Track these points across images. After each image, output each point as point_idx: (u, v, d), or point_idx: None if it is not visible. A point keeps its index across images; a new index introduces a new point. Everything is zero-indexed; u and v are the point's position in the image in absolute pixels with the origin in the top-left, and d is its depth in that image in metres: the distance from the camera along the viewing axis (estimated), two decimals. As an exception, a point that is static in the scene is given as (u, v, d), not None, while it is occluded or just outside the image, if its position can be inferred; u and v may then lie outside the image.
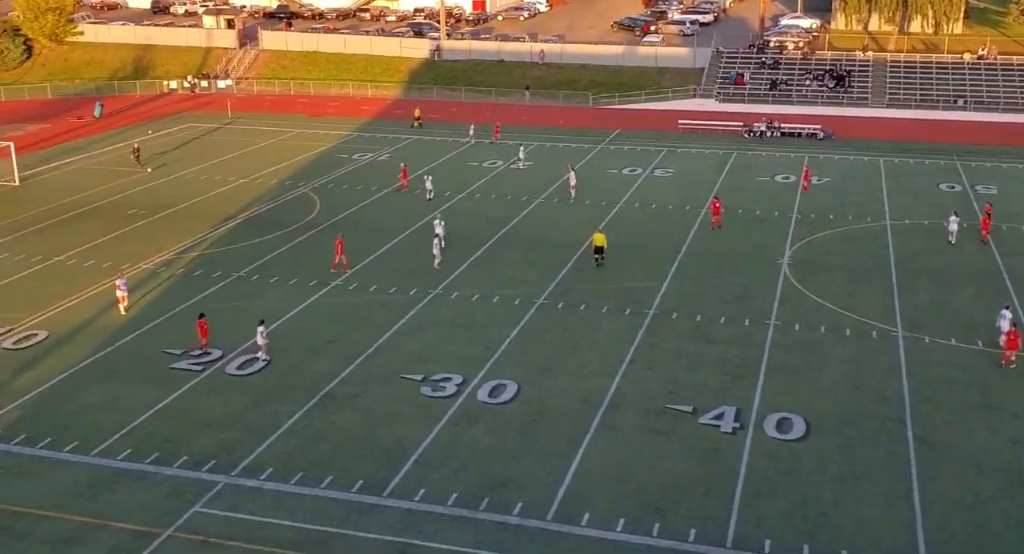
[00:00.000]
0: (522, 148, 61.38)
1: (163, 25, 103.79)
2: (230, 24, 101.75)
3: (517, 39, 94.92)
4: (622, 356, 33.29)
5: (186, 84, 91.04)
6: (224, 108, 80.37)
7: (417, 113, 74.50)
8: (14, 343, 34.47)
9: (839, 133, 70.22)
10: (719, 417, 28.96)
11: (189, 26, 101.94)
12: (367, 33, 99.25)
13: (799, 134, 70.52)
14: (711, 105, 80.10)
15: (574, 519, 23.99)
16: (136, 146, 62.41)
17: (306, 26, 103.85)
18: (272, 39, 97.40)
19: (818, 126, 70.97)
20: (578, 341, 34.60)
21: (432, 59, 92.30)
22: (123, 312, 36.86)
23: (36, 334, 35.23)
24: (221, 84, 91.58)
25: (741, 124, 72.22)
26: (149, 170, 59.67)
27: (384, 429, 28.44)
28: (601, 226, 47.73)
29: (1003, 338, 32.60)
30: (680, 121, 73.95)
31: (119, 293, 36.71)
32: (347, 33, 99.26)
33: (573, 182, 53.10)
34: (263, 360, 32.71)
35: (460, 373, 31.99)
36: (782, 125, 71.31)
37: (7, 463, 26.62)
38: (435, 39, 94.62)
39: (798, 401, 29.97)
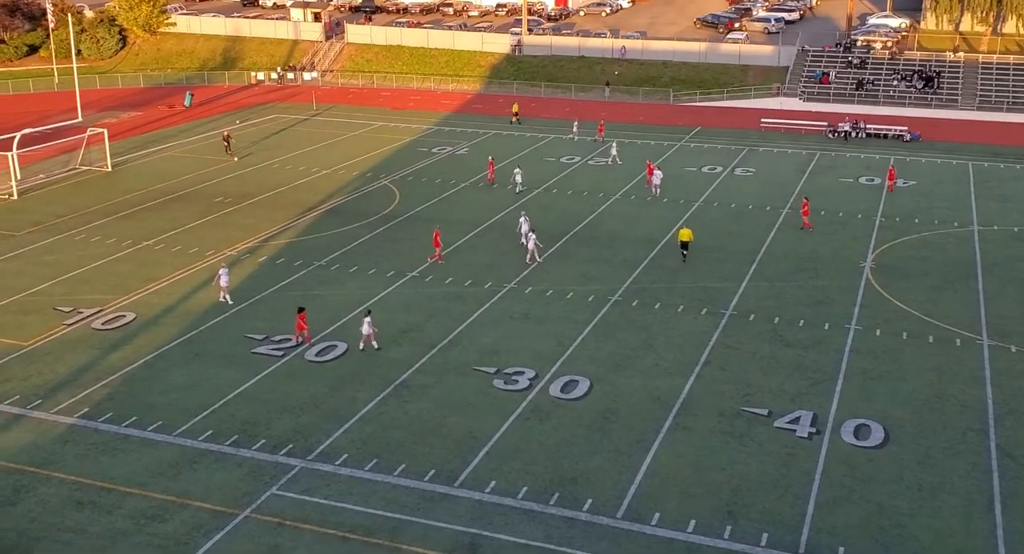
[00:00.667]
0: (615, 145, 61.06)
1: (252, 17, 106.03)
2: (317, 17, 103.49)
3: (598, 35, 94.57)
4: (697, 356, 33.04)
5: (273, 76, 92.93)
6: (309, 99, 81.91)
7: (515, 109, 74.33)
8: (103, 324, 35.68)
9: (927, 135, 68.46)
10: (795, 421, 28.56)
11: (277, 19, 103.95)
12: (449, 28, 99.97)
13: (885, 135, 68.96)
14: (794, 104, 78.79)
15: (644, 518, 23.93)
16: (226, 134, 63.43)
17: (390, 20, 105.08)
18: (357, 33, 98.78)
19: (905, 127, 69.32)
20: (652, 339, 34.44)
21: (513, 54, 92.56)
22: (228, 301, 37.30)
23: (124, 315, 36.42)
24: (307, 76, 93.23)
25: (825, 124, 70.89)
26: (236, 159, 61.09)
27: (456, 420, 28.73)
28: (678, 225, 47.50)
29: None
30: (762, 120, 72.90)
31: (222, 282, 37.23)
32: (430, 27, 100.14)
33: (656, 182, 52.55)
34: (375, 347, 33.12)
35: (533, 368, 32.12)
36: (867, 126, 69.81)
37: (94, 440, 27.60)
38: (516, 34, 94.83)
39: (877, 408, 29.38)
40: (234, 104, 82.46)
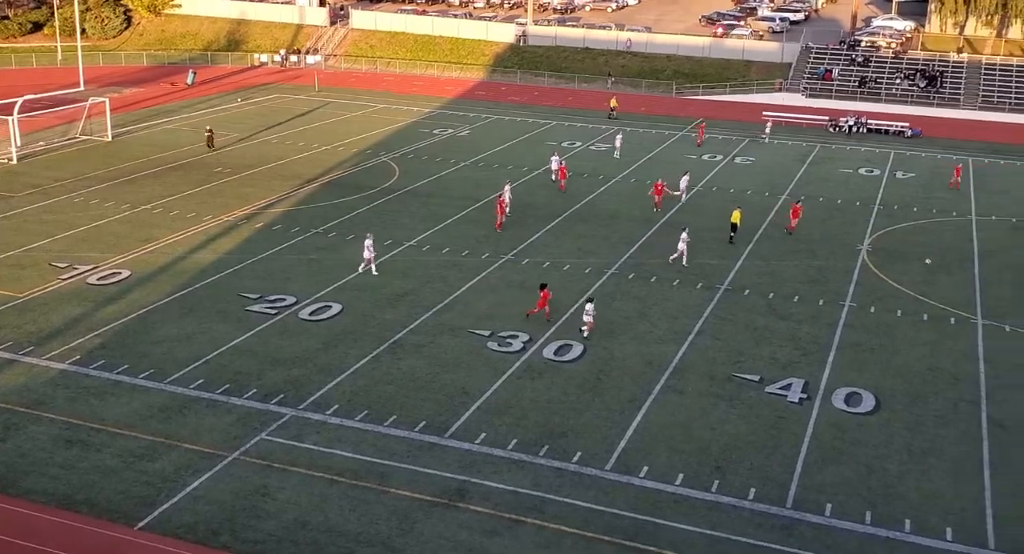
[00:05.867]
0: (619, 136, 60.88)
1: (257, 1, 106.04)
2: (322, 2, 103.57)
3: (603, 27, 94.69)
4: (691, 326, 33.05)
5: (276, 58, 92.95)
6: (311, 82, 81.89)
7: (613, 103, 72.73)
8: (98, 279, 35.64)
9: (928, 132, 68.60)
10: (786, 388, 28.57)
11: (282, 2, 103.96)
12: (455, 16, 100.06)
13: (886, 131, 69.10)
14: (797, 99, 78.94)
15: (633, 471, 23.92)
16: (209, 129, 58.95)
17: (396, 7, 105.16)
18: (362, 18, 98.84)
19: (906, 124, 69.44)
20: (647, 310, 34.45)
21: (517, 44, 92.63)
22: (374, 272, 36.88)
23: (120, 272, 36.37)
24: (310, 60, 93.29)
25: (827, 119, 70.97)
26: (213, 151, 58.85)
27: (449, 376, 28.73)
28: (676, 208, 47.66)
29: None
30: (764, 113, 72.97)
31: (367, 254, 36.93)
32: (435, 15, 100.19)
33: (683, 186, 49.70)
34: (584, 335, 32.07)
35: (527, 332, 32.10)
36: (869, 121, 69.91)
37: (85, 384, 27.55)
38: (522, 24, 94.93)
39: (868, 378, 29.41)
40: (236, 84, 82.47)
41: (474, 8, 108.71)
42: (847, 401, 27.90)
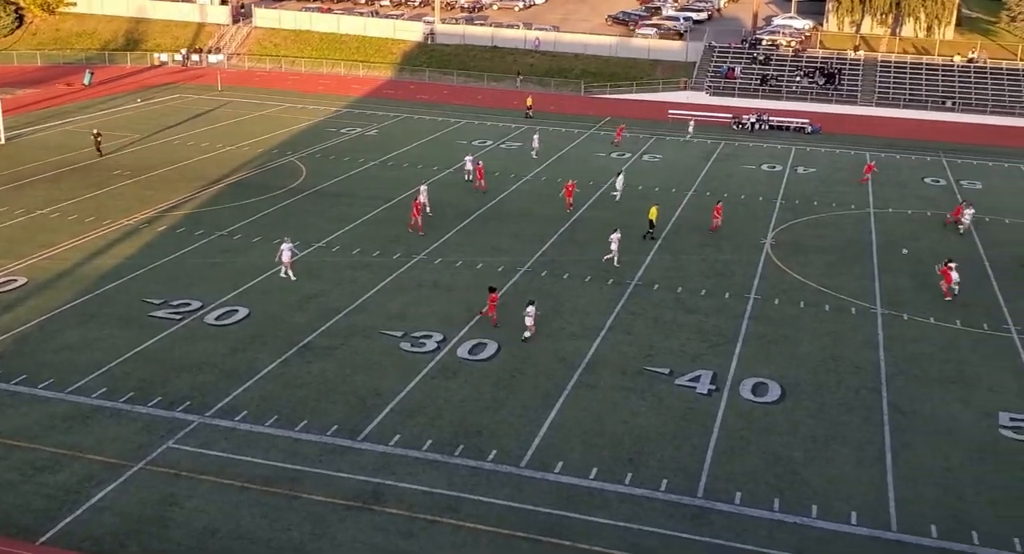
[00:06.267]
0: (536, 136, 60.93)
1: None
2: (224, 0, 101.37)
3: (511, 26, 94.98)
4: (602, 322, 33.37)
5: (177, 57, 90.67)
6: (214, 81, 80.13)
7: (529, 102, 72.73)
8: (-8, 287, 34.28)
9: (827, 128, 70.63)
10: (695, 380, 29.09)
11: (182, 1, 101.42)
12: (361, 14, 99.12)
13: (787, 127, 70.91)
14: (701, 98, 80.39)
15: (548, 467, 24.04)
16: (97, 132, 55.38)
17: (300, 5, 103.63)
18: (265, 17, 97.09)
19: (806, 120, 71.38)
20: (559, 306, 34.66)
21: (425, 42, 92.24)
22: (292, 277, 35.95)
23: (16, 279, 35.00)
24: (213, 59, 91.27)
25: (730, 116, 72.49)
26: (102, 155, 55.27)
27: (361, 378, 28.43)
28: (588, 204, 48.12)
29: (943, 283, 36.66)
30: (670, 111, 74.17)
31: (286, 258, 35.99)
32: (341, 13, 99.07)
33: (619, 187, 49.81)
34: (526, 338, 31.61)
35: (440, 332, 31.98)
36: (771, 118, 71.67)
37: (-20, 397, 26.45)
38: (430, 23, 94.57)
39: (774, 368, 30.14)
40: (136, 84, 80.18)
41: (380, 6, 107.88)
42: (754, 391, 28.54)
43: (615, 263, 38.83)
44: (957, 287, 36.41)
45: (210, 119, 66.35)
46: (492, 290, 32.76)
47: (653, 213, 43.23)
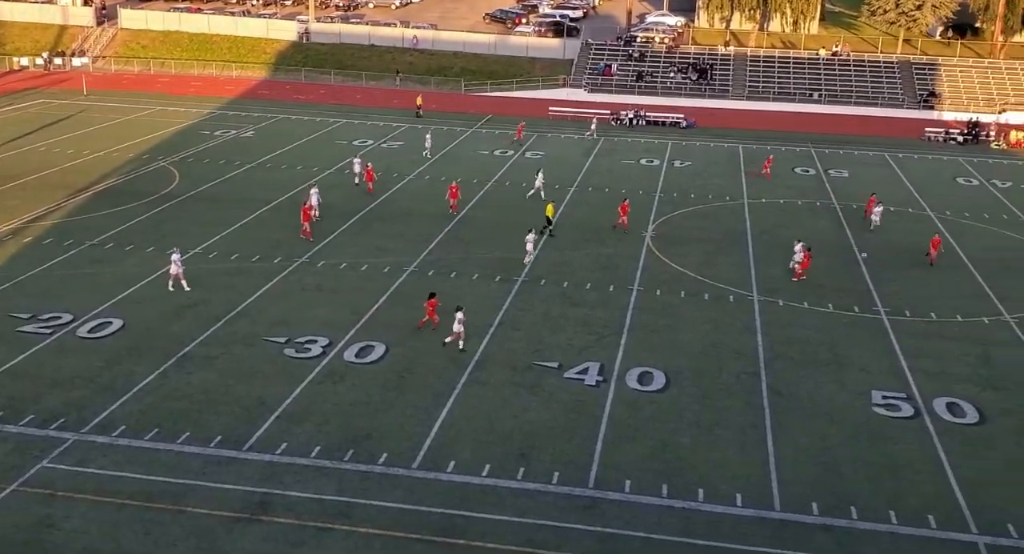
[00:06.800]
0: (428, 135, 60.42)
1: (14, 0, 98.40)
2: (86, 1, 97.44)
3: (388, 24, 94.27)
4: (491, 319, 33.40)
5: (39, 61, 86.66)
6: (79, 85, 76.93)
7: (419, 101, 71.85)
8: None
9: (701, 122, 72.48)
10: (583, 372, 29.42)
11: (43, 2, 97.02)
12: (232, 14, 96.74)
13: (663, 123, 72.45)
14: (580, 95, 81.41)
15: (440, 467, 23.92)
16: None
17: (168, 5, 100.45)
18: (131, 18, 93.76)
19: (681, 115, 73.11)
20: (447, 305, 34.35)
21: (300, 42, 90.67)
22: (185, 288, 34.58)
23: None
24: (77, 62, 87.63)
25: (609, 112, 73.64)
26: None
27: (244, 388, 27.70)
28: (472, 203, 48.15)
29: (797, 265, 38.23)
30: (551, 108, 74.88)
31: (174, 269, 34.50)
32: (211, 13, 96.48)
33: (538, 184, 49.83)
34: (456, 344, 30.84)
35: (326, 336, 31.46)
36: (648, 114, 73.11)
37: None
38: (304, 22, 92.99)
39: (658, 357, 30.74)
40: (-6, 89, 76.34)
41: (252, 5, 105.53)
42: (640, 381, 29.05)
43: (524, 261, 38.77)
44: (797, 266, 38.34)
45: (76, 124, 63.65)
46: (431, 296, 32.17)
47: (550, 210, 43.59)
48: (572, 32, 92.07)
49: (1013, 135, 69.03)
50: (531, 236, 39.34)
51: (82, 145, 57.48)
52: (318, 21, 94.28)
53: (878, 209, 45.99)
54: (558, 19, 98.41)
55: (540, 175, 49.91)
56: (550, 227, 43.13)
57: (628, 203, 45.17)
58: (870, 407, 28.04)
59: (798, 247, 38.86)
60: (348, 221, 44.00)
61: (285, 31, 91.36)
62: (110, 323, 31.70)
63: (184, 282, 34.75)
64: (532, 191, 49.21)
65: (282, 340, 31.03)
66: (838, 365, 30.88)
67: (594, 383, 28.71)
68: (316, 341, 31.06)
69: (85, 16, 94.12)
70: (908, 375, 30.20)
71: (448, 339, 30.75)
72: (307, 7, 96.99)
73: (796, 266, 38.44)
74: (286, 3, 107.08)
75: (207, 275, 36.41)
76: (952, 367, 30.90)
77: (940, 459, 25.28)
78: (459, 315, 30.53)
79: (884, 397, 28.64)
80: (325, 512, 21.88)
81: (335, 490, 22.76)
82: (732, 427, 26.58)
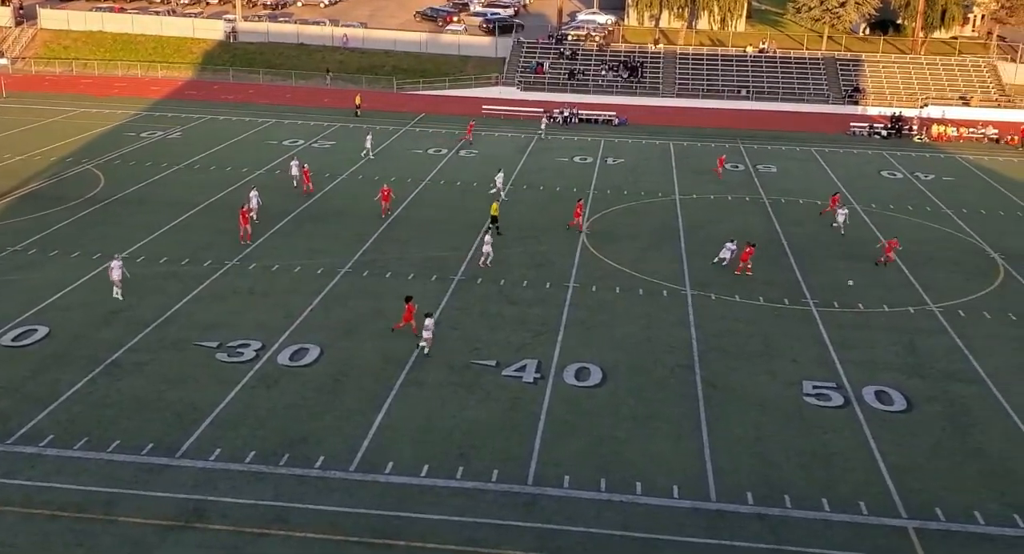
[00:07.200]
0: (369, 136, 59.80)
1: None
2: (4, 1, 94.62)
3: (317, 23, 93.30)
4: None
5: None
6: (-2, 87, 74.77)
7: (358, 101, 71.01)
8: None
9: (633, 119, 73.12)
10: (521, 369, 29.47)
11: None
12: (157, 14, 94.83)
13: (596, 120, 72.93)
14: (513, 93, 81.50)
15: (378, 469, 23.76)
16: None
17: (90, 5, 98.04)
18: (51, 18, 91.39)
19: (613, 113, 73.67)
20: (383, 306, 34.28)
21: (228, 41, 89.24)
22: (120, 297, 33.55)
23: None
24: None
25: (542, 110, 73.84)
26: None
27: (176, 394, 27.17)
28: (407, 202, 47.94)
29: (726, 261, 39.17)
30: (484, 106, 74.85)
31: (115, 276, 33.45)
32: (135, 13, 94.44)
33: (499, 183, 49.55)
34: (425, 352, 30.22)
35: (259, 339, 31.01)
36: (580, 112, 73.53)
37: None
38: (231, 21, 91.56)
39: (595, 353, 30.93)
40: (-93, 91, 73.72)
41: (178, 4, 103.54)
42: (577, 376, 29.20)
43: (483, 264, 38.37)
44: (723, 259, 39.12)
45: (-6, 127, 61.83)
46: (408, 299, 31.64)
47: (495, 209, 43.53)
48: (520, 29, 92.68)
49: (935, 129, 71.00)
50: (488, 238, 39.16)
51: (2, 149, 55.80)
52: (245, 20, 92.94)
53: (843, 211, 45.47)
54: (506, 18, 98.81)
55: (500, 175, 49.83)
56: (496, 226, 43.03)
57: (582, 203, 45.33)
58: (801, 397, 28.59)
59: (730, 245, 39.45)
60: (280, 222, 43.44)
61: (212, 30, 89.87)
62: (35, 330, 30.86)
63: (119, 291, 33.84)
64: (493, 190, 49.08)
65: (214, 344, 30.52)
66: (769, 356, 31.42)
67: (532, 380, 28.78)
68: (249, 345, 30.60)
69: (2, 16, 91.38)
70: (837, 365, 30.87)
71: (421, 343, 30.29)
72: (234, 6, 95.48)
73: (725, 262, 39.15)
74: (211, 2, 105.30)
75: (136, 280, 35.58)
76: (880, 356, 31.66)
77: (870, 446, 25.89)
78: (428, 322, 30.05)
79: (815, 387, 29.22)
80: (261, 517, 21.57)
81: (271, 495, 22.45)
82: (668, 420, 26.87)
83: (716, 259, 39.54)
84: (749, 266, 38.59)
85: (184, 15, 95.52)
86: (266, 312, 33.30)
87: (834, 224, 45.53)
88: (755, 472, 24.46)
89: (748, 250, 38.84)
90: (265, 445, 24.63)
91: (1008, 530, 22.38)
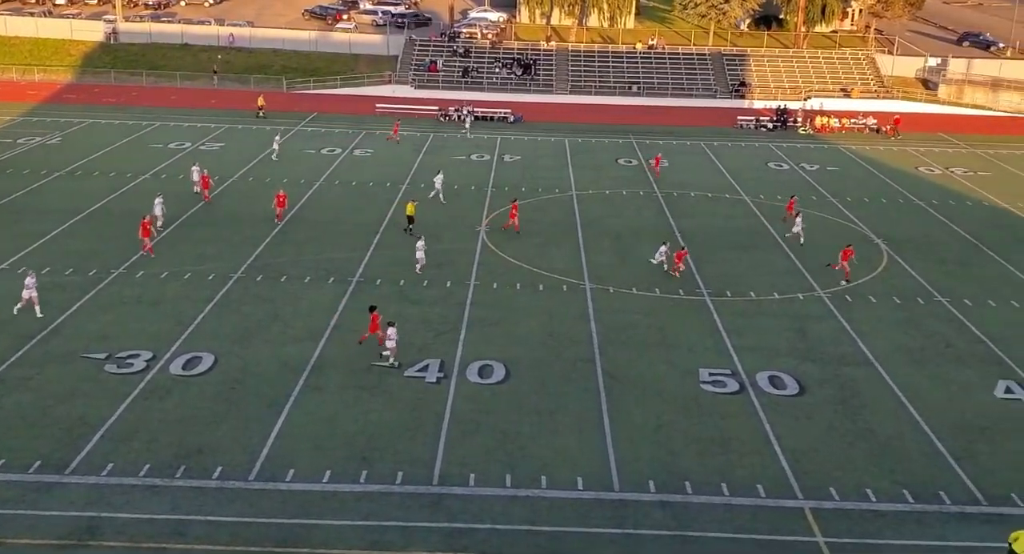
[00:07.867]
0: (278, 137, 58.34)
1: None
2: None
3: (202, 22, 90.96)
4: (326, 322, 32.75)
5: None
6: None
7: (261, 102, 68.94)
8: None
9: (528, 117, 73.47)
10: (424, 369, 29.29)
11: None
12: (32, 15, 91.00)
13: (491, 118, 73.00)
14: (406, 91, 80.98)
15: (278, 477, 23.27)
16: None
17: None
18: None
19: (508, 110, 73.88)
20: (279, 311, 33.64)
21: (108, 42, 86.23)
22: (39, 314, 31.81)
23: None
24: None
25: (436, 108, 73.61)
26: None
27: (63, 408, 26.11)
28: (302, 203, 47.18)
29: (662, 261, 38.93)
30: (377, 105, 74.17)
31: (27, 293, 31.72)
32: (7, 14, 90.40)
33: (438, 185, 48.44)
34: (394, 365, 29.17)
35: (149, 349, 30.04)
36: (476, 109, 73.47)
37: None
38: (111, 22, 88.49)
39: (497, 350, 30.96)
40: None
41: (54, 5, 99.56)
42: (480, 374, 29.19)
43: (417, 270, 37.83)
44: (663, 261, 38.88)
45: None
46: (372, 309, 30.73)
47: (410, 209, 42.96)
48: (427, 23, 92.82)
49: (818, 120, 73.40)
50: (420, 243, 38.50)
51: None
52: (127, 20, 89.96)
53: (799, 220, 43.40)
54: (417, 13, 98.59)
55: (440, 176, 49.28)
56: (410, 227, 42.54)
57: (517, 204, 44.83)
58: (698, 385, 29.18)
59: (663, 248, 39.13)
60: (167, 228, 42.15)
61: (91, 32, 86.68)
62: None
63: (37, 308, 32.09)
64: (433, 192, 48.49)
65: (102, 356, 29.45)
66: (667, 346, 31.97)
67: (435, 380, 28.63)
68: (139, 355, 29.64)
69: None
70: (732, 352, 31.62)
71: (385, 353, 29.52)
72: (114, 6, 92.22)
73: (663, 262, 38.71)
74: (90, 2, 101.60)
75: (16, 292, 33.92)
76: (772, 342, 32.55)
77: (765, 430, 26.58)
78: (391, 331, 29.27)
79: (711, 374, 29.87)
80: (159, 532, 20.89)
81: (168, 508, 21.77)
82: (571, 413, 27.08)
83: (653, 261, 39.18)
84: (682, 267, 38.53)
85: (61, 16, 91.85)
86: (156, 321, 32.28)
87: (787, 234, 44.05)
88: (656, 460, 24.85)
89: (681, 252, 38.99)
90: (160, 458, 23.86)
91: (899, 505, 23.27)
